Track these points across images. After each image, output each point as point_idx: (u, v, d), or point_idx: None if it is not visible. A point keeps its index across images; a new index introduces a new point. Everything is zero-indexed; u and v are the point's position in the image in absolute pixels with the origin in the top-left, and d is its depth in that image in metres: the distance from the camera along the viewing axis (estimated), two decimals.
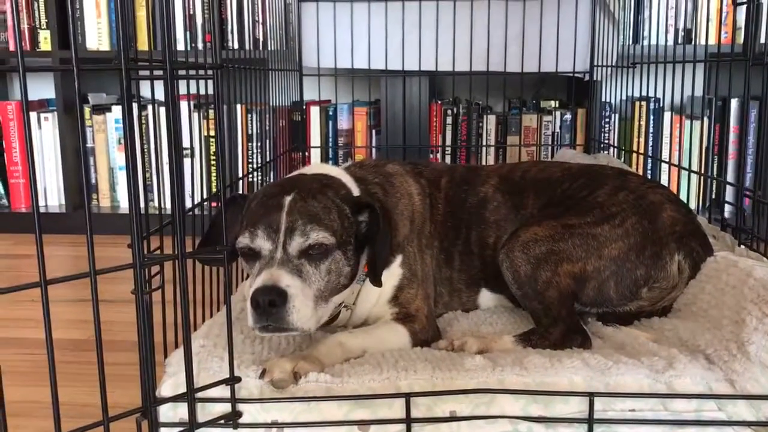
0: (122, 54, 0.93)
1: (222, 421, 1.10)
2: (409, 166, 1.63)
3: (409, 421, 1.11)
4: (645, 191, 1.49)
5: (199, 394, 1.10)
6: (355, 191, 1.42)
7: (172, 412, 1.11)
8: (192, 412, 1.07)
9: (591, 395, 1.11)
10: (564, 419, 1.12)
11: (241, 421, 1.11)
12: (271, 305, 1.17)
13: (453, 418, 1.12)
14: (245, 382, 1.13)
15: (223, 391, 1.11)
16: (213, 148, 3.14)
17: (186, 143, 1.84)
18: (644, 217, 1.42)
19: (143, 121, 3.10)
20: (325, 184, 1.36)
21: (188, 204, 1.40)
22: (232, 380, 1.09)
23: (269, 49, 2.88)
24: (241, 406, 1.12)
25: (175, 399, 1.08)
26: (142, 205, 1.14)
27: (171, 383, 1.11)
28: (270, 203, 1.29)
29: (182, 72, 1.38)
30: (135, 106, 0.96)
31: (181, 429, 1.08)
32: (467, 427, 1.11)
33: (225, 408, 1.11)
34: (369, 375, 1.17)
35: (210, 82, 1.14)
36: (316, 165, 1.88)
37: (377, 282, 1.34)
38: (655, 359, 1.20)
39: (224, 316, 1.11)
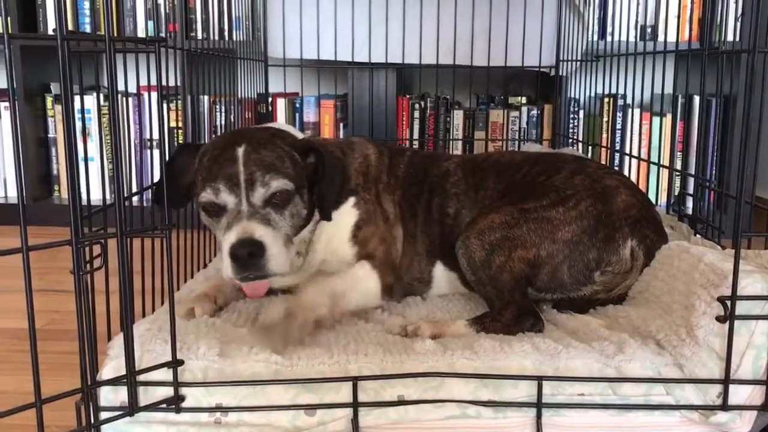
0: (60, 25, 0.90)
1: (164, 405, 1.07)
2: (373, 141, 1.70)
3: (356, 405, 1.09)
4: (601, 176, 1.50)
5: (142, 377, 1.07)
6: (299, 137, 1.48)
7: (113, 395, 1.08)
8: (132, 394, 1.05)
9: (539, 379, 1.10)
10: (513, 403, 1.11)
11: (184, 405, 1.09)
12: (250, 257, 1.24)
13: (401, 402, 1.10)
14: (189, 365, 1.11)
15: (168, 375, 1.08)
16: (180, 139, 3.10)
17: (146, 137, 1.80)
18: (599, 200, 1.43)
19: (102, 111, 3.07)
20: (272, 134, 1.41)
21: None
22: (175, 363, 1.07)
23: (235, 39, 2.86)
24: (184, 390, 1.09)
25: (115, 381, 1.05)
26: (83, 183, 1.11)
27: (112, 366, 1.09)
28: (224, 156, 1.32)
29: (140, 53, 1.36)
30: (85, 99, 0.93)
31: (121, 413, 1.06)
32: (415, 412, 1.10)
33: (168, 392, 1.08)
34: (319, 358, 1.15)
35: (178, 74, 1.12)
36: (274, 123, 1.89)
37: (327, 217, 1.41)
38: (606, 344, 1.20)
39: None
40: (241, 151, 1.31)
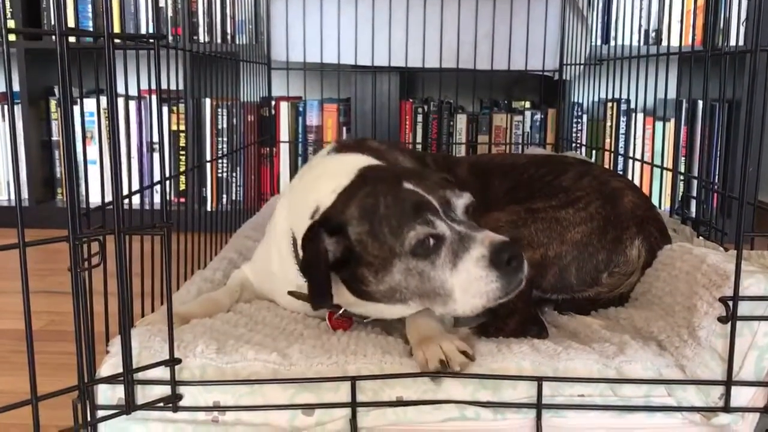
0: (59, 19, 0.90)
1: (161, 404, 1.07)
2: (391, 144, 1.68)
3: (354, 405, 1.09)
4: (608, 178, 1.51)
5: (139, 375, 1.06)
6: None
7: (111, 393, 1.08)
8: (129, 392, 1.04)
9: (539, 380, 1.09)
10: (512, 404, 1.10)
11: (181, 403, 1.08)
12: (515, 260, 1.10)
13: (399, 403, 1.09)
14: (187, 363, 1.10)
15: (166, 373, 1.08)
16: (181, 143, 3.10)
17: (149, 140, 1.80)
18: (607, 202, 1.42)
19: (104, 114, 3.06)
20: (412, 166, 1.44)
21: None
22: (172, 361, 1.06)
23: (238, 42, 2.86)
24: (182, 388, 1.09)
25: (112, 379, 1.04)
26: (82, 180, 1.11)
27: (111, 363, 1.08)
28: (400, 197, 1.18)
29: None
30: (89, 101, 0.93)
31: (118, 411, 1.05)
32: (414, 413, 1.09)
33: (166, 390, 1.08)
34: (317, 358, 1.14)
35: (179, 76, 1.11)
36: (351, 159, 1.46)
37: None
38: (606, 345, 1.19)
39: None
40: (410, 185, 1.19)
